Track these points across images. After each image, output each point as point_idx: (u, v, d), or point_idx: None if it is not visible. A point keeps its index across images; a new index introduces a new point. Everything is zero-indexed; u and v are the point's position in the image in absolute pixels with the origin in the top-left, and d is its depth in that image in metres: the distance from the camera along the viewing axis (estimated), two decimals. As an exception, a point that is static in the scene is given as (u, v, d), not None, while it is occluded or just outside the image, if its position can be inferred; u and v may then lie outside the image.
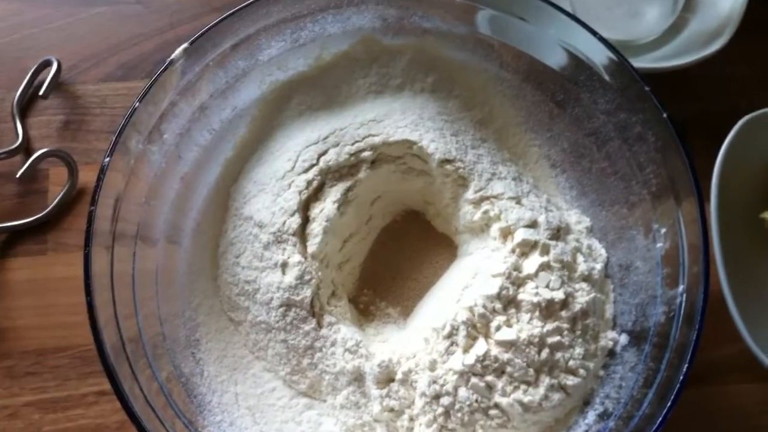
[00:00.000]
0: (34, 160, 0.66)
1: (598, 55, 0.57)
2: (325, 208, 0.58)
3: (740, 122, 0.63)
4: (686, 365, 0.48)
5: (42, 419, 0.60)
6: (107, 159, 0.51)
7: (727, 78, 0.72)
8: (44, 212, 0.66)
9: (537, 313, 0.53)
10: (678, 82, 0.69)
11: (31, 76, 0.70)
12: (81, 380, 0.61)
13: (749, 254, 0.64)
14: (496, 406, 0.52)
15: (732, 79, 0.72)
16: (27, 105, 0.70)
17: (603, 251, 0.59)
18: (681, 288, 0.51)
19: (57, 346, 0.62)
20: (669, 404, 0.48)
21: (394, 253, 0.63)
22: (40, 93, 0.68)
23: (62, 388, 0.61)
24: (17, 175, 0.65)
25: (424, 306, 0.60)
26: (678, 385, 0.48)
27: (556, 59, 0.59)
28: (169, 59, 0.54)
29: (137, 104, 0.53)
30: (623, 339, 0.55)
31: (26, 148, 0.68)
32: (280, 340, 0.56)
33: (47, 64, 0.70)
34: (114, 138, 0.52)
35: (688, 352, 0.48)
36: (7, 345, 0.62)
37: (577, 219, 0.60)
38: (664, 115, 0.53)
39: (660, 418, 0.47)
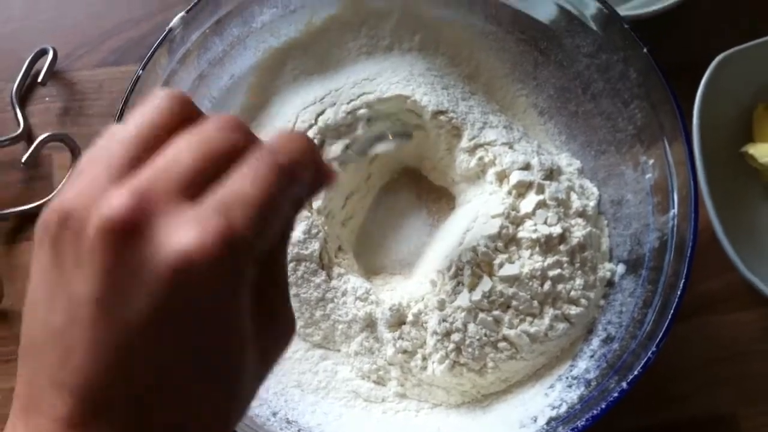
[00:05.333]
0: (38, 144, 0.66)
1: (581, 2, 0.59)
2: (327, 164, 0.59)
3: (715, 60, 0.65)
4: (683, 280, 0.50)
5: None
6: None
7: (699, 25, 0.73)
8: (51, 196, 0.67)
9: (537, 249, 0.55)
10: (653, 34, 0.71)
11: (29, 65, 0.70)
12: (98, 353, 0.63)
13: (735, 188, 0.65)
14: (505, 338, 0.54)
15: (704, 25, 0.74)
16: (26, 94, 0.71)
17: (595, 189, 0.61)
18: (672, 212, 0.53)
19: (71, 324, 0.64)
20: (669, 319, 0.49)
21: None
22: (39, 80, 0.69)
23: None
24: (22, 160, 0.66)
25: (427, 255, 0.61)
26: (677, 299, 0.49)
27: (539, 9, 0.61)
28: (168, 27, 0.56)
29: (140, 72, 0.54)
30: (620, 269, 0.57)
31: (28, 136, 0.69)
32: (292, 295, 0.57)
33: (43, 52, 0.71)
34: (120, 105, 0.53)
35: (684, 266, 0.50)
36: (21, 327, 0.64)
37: (567, 162, 0.62)
38: (644, 50, 0.55)
39: (661, 334, 0.49)
